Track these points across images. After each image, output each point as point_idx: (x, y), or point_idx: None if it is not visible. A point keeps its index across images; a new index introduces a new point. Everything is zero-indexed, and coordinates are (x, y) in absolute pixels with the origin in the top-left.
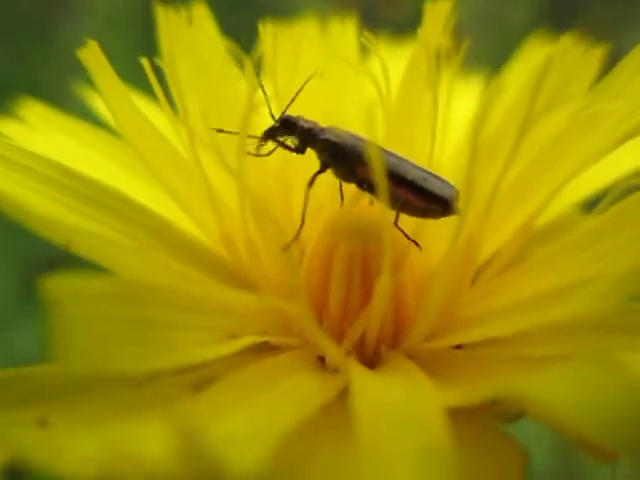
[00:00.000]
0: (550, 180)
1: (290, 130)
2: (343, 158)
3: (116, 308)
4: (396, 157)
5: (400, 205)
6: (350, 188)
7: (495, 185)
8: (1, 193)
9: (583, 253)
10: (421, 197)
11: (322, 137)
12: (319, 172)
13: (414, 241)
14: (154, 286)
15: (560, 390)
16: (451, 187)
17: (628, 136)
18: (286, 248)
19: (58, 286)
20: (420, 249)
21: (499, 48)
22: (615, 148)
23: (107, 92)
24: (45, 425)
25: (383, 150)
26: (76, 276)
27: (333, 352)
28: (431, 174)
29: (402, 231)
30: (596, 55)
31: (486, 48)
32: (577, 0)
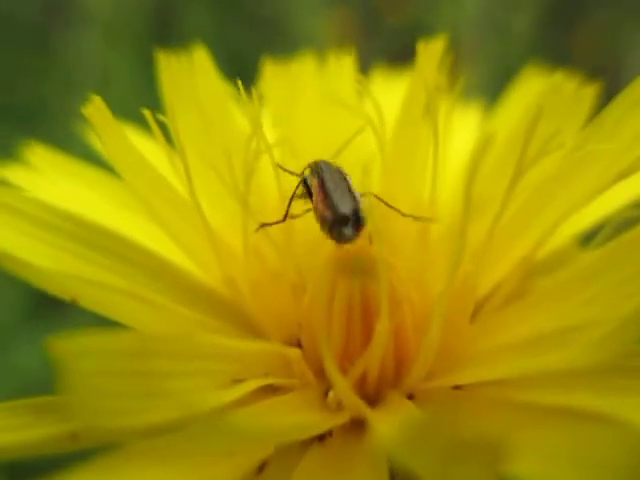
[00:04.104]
0: (546, 218)
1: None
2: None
3: (120, 363)
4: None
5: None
6: None
7: (491, 225)
8: (5, 250)
9: (582, 291)
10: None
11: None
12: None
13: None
14: (157, 337)
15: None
16: (351, 204)
17: (622, 175)
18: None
19: (64, 345)
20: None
21: (501, 56)
22: (609, 187)
23: (111, 146)
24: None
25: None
26: (81, 334)
27: (345, 392)
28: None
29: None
30: (589, 92)
31: (487, 56)
32: (578, 7)
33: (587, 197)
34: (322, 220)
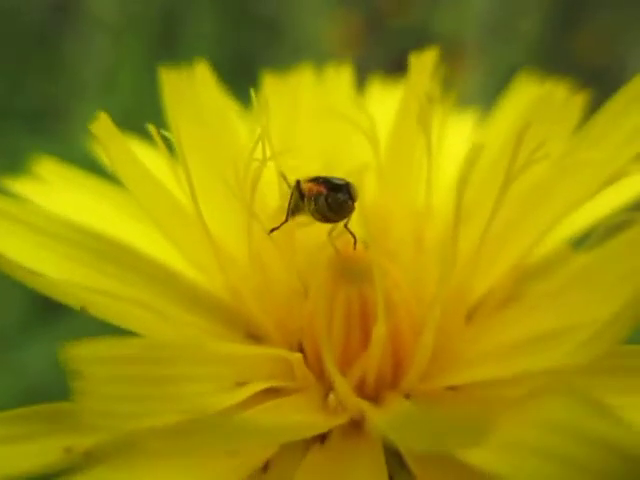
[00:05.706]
0: (536, 224)
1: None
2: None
3: (132, 369)
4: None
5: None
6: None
7: (483, 231)
8: (13, 258)
9: (574, 293)
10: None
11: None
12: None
13: None
14: (167, 344)
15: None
16: (343, 180)
17: (611, 181)
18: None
19: (77, 352)
20: None
21: (504, 57)
22: (599, 192)
23: (117, 160)
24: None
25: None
26: (94, 341)
27: (346, 394)
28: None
29: None
30: (579, 100)
31: (491, 56)
32: (581, 8)
33: (577, 203)
34: (316, 197)
